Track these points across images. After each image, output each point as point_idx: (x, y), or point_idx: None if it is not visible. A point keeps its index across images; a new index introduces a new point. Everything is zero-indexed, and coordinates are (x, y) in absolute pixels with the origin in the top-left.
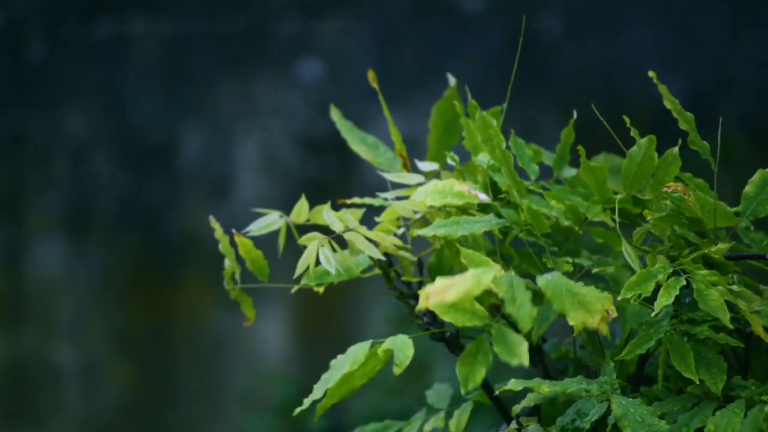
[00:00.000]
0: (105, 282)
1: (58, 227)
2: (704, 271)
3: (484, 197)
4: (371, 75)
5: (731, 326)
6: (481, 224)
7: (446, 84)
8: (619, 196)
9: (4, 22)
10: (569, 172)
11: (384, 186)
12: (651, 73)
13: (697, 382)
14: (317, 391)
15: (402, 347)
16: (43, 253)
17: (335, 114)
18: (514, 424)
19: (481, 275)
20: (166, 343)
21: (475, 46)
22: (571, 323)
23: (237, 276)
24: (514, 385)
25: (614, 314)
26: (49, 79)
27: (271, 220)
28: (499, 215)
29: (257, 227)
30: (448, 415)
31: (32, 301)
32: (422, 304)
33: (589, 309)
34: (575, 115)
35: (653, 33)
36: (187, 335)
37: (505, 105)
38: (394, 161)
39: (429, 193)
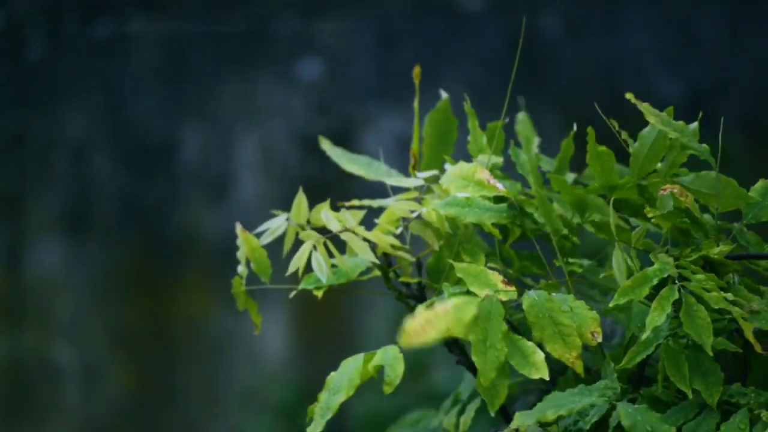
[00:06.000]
0: (105, 282)
1: (58, 227)
2: (701, 276)
3: (502, 188)
4: (416, 71)
5: (710, 353)
6: (491, 213)
7: (445, 83)
8: (623, 180)
9: (4, 22)
10: (568, 179)
11: (383, 186)
12: (629, 95)
13: (691, 396)
14: (318, 420)
15: (393, 363)
16: (43, 253)
17: (325, 144)
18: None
19: (462, 310)
20: (165, 342)
21: (475, 46)
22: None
23: (243, 283)
24: (521, 423)
25: (599, 337)
26: (49, 79)
27: (277, 224)
28: (511, 209)
29: (266, 234)
30: (459, 413)
31: (32, 301)
32: (403, 344)
33: (568, 343)
34: (575, 127)
35: (653, 33)
36: (187, 335)
37: (503, 118)
38: (388, 173)
39: (454, 178)
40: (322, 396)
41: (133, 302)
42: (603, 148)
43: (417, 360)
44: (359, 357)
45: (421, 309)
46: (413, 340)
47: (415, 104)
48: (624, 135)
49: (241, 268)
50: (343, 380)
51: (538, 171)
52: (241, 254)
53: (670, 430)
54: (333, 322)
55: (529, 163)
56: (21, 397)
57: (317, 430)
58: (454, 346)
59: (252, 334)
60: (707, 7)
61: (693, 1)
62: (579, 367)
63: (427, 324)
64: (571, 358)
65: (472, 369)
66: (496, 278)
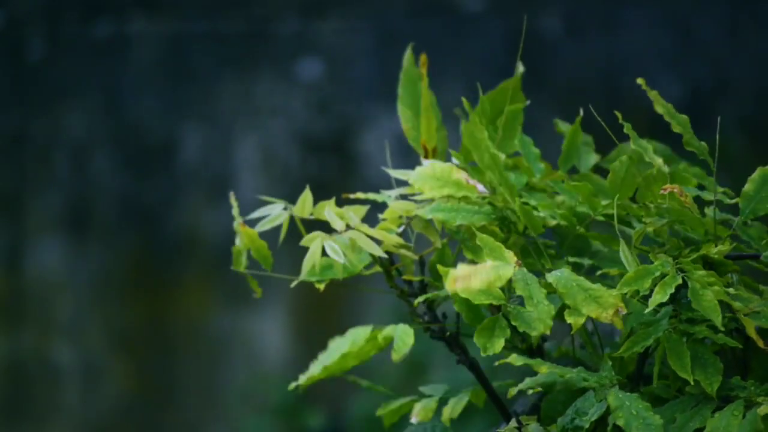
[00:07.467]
0: (105, 282)
1: (58, 227)
2: (702, 272)
3: (482, 189)
4: (423, 59)
5: (722, 328)
6: (480, 216)
7: (445, 83)
8: (606, 203)
9: (4, 22)
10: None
11: (384, 185)
12: (640, 80)
13: (692, 383)
14: (314, 369)
15: (402, 335)
16: (43, 253)
17: (408, 57)
18: (513, 423)
19: (501, 269)
20: (165, 342)
21: (475, 46)
22: (584, 314)
23: (244, 257)
24: (514, 360)
25: (624, 310)
26: (49, 79)
27: (275, 214)
28: (497, 210)
29: (262, 221)
30: (443, 402)
31: (32, 301)
32: (449, 288)
33: (602, 303)
34: (581, 112)
35: (653, 33)
36: (187, 335)
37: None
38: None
39: (426, 179)
40: (322, 354)
41: (133, 302)
42: (577, 183)
43: (415, 361)
44: (368, 326)
45: (460, 264)
46: (460, 285)
47: (423, 90)
48: (629, 131)
49: (238, 242)
50: (347, 339)
51: (541, 164)
52: (237, 228)
53: (654, 417)
54: (332, 323)
55: (495, 165)
56: (21, 397)
57: (311, 374)
58: (455, 344)
59: (251, 333)
60: (707, 7)
61: (693, 1)
62: (619, 324)
63: (473, 274)
64: (609, 315)
65: (472, 368)
66: (511, 256)
